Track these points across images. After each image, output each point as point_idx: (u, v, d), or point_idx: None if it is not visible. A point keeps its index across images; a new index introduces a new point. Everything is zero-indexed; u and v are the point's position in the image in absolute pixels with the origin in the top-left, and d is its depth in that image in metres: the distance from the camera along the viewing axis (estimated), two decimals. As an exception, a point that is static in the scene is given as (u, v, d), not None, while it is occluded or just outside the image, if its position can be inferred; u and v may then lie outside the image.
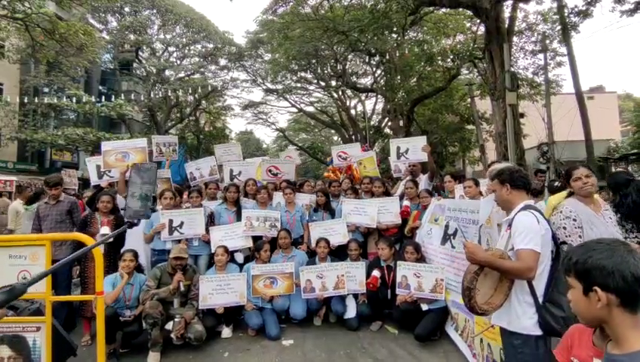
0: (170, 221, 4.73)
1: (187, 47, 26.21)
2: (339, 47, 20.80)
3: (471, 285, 1.99)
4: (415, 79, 20.59)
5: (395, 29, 19.16)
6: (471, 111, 20.84)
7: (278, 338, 4.32)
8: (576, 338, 1.34)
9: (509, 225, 2.17)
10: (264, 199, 5.26)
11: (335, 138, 35.44)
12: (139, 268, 4.26)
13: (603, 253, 1.09)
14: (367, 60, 23.59)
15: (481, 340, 3.09)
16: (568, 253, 1.19)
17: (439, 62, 20.26)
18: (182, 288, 4.03)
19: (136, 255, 4.18)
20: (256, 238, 4.98)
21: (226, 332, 4.41)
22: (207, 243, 4.88)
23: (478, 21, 20.11)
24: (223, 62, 26.43)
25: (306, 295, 4.48)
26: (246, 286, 4.38)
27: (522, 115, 13.30)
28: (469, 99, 21.53)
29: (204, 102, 27.91)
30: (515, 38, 18.28)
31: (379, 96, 25.99)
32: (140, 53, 26.84)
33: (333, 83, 25.01)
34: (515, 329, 2.09)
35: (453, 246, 4.35)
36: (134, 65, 28.34)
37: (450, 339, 4.13)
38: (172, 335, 3.88)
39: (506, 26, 12.59)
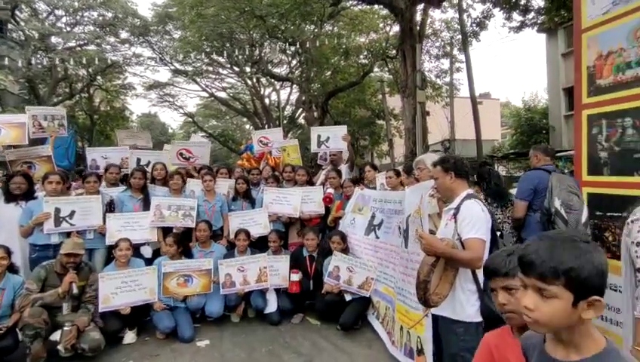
0: (57, 210, 3.94)
1: (79, 13, 22.81)
2: (255, 32, 20.08)
3: (427, 278, 1.91)
4: (330, 72, 20.91)
5: (314, 19, 19.19)
6: (381, 107, 21.94)
7: (192, 339, 3.89)
8: (502, 351, 1.27)
9: (454, 214, 2.14)
10: (177, 186, 4.70)
11: (247, 126, 34.50)
12: (11, 268, 3.44)
13: (589, 253, 0.92)
14: (283, 49, 23.22)
15: (401, 327, 3.14)
16: (530, 253, 0.95)
17: (354, 57, 20.89)
18: (75, 290, 3.35)
19: (8, 252, 3.37)
20: (166, 231, 4.43)
21: (130, 337, 3.83)
22: (104, 235, 4.19)
23: (390, 22, 21.34)
24: (124, 35, 23.60)
25: (225, 290, 4.12)
26: (156, 283, 3.85)
27: (428, 113, 14.32)
28: (380, 96, 22.63)
29: (99, 78, 24.69)
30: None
31: (294, 86, 25.91)
32: (18, 13, 22.57)
33: (248, 69, 24.15)
34: (459, 318, 2.09)
35: (377, 237, 4.37)
36: (9, 26, 23.73)
37: (372, 327, 4.16)
38: (59, 347, 3.21)
39: (418, 28, 13.39)
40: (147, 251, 4.39)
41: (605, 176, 3.56)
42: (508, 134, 31.35)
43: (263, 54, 23.21)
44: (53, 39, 22.25)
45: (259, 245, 4.74)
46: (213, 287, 4.11)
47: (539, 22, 14.18)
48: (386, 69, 22.57)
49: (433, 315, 2.41)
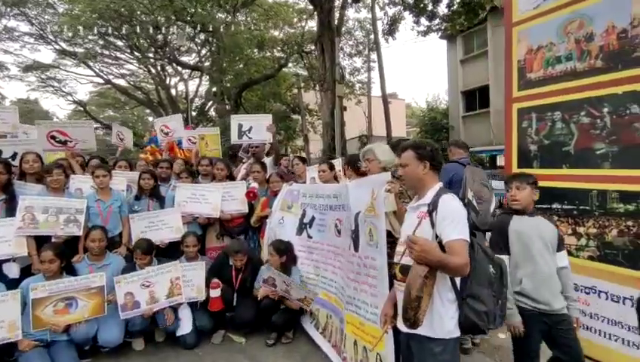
0: None
1: None
2: (160, 14, 18.17)
3: (421, 293, 1.49)
4: (244, 63, 19.97)
5: (227, 6, 18.07)
6: (297, 102, 21.65)
7: (78, 381, 3.01)
8: None
9: (429, 211, 1.77)
10: (58, 182, 3.63)
11: (151, 118, 31.56)
12: None
13: None
14: (192, 36, 21.54)
15: (355, 342, 2.73)
16: None
17: (269, 49, 20.27)
18: None
19: None
20: (41, 241, 3.40)
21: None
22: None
23: (306, 17, 21.16)
24: (-7, 4, 19.51)
25: (127, 314, 3.25)
26: (19, 313, 2.86)
27: (345, 109, 14.38)
28: (295, 90, 22.34)
29: (-41, 53, 20.18)
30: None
31: (204, 77, 24.32)
32: None
33: (151, 55, 21.86)
34: (438, 335, 1.72)
35: (310, 236, 3.92)
36: None
37: (307, 338, 3.70)
38: None
39: (336, 22, 13.30)
40: (13, 270, 3.31)
41: (535, 168, 3.59)
42: (412, 132, 33.70)
43: (169, 39, 21.21)
44: None
45: (168, 253, 3.95)
46: (109, 308, 3.23)
47: (442, 28, 15.12)
48: (301, 64, 22.37)
49: (395, 328, 2.03)
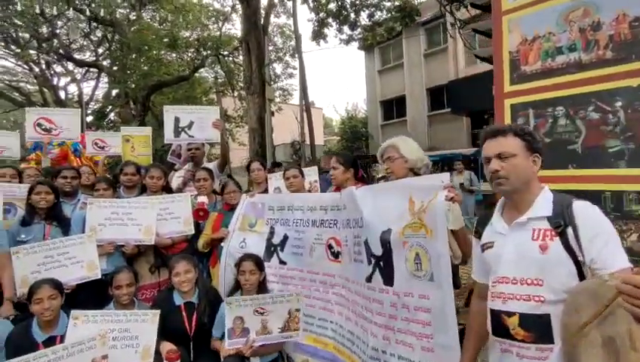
0: None
1: None
2: (45, 4, 15.38)
3: None
4: (152, 63, 17.96)
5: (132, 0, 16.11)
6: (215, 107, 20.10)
7: None
8: None
9: (557, 226, 1.11)
10: None
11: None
12: None
13: None
14: (87, 32, 18.84)
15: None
16: None
17: (183, 50, 18.57)
18: None
19: None
20: None
21: None
22: None
23: (223, 19, 19.90)
24: None
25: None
26: None
27: (272, 113, 13.55)
28: (213, 95, 20.83)
29: None
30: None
31: (102, 78, 21.46)
32: None
33: (33, 52, 18.44)
34: None
35: (282, 262, 3.03)
36: None
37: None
38: None
39: (262, 21, 12.47)
40: None
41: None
42: (330, 141, 34.15)
43: (57, 31, 18.22)
44: None
45: (77, 300, 2.70)
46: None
47: (363, 37, 15.26)
48: (218, 67, 20.95)
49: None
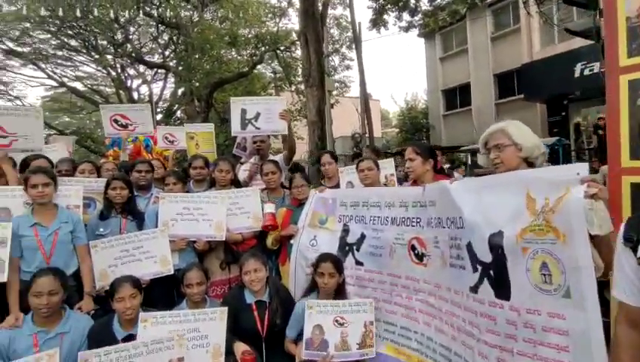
0: None
1: None
2: (119, 10, 16.45)
3: None
4: (215, 61, 18.57)
5: (195, 2, 16.78)
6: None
7: None
8: None
9: None
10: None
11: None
12: None
13: None
14: (155, 36, 19.95)
15: None
16: None
17: (242, 47, 19.01)
18: None
19: None
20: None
21: None
22: None
23: (279, 14, 20.03)
24: None
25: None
26: None
27: (332, 105, 13.36)
28: (270, 90, 21.14)
29: None
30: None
31: (169, 78, 22.68)
32: None
33: (110, 57, 19.95)
34: None
35: (359, 263, 2.77)
36: None
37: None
38: None
39: (320, 10, 12.29)
40: None
41: (657, 161, 2.65)
42: (388, 134, 33.34)
43: (130, 37, 19.52)
44: None
45: (151, 297, 2.67)
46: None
47: (423, 23, 14.45)
48: (275, 62, 21.17)
49: None
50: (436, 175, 2.76)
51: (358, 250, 2.81)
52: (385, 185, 3.29)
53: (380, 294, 2.61)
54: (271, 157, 4.07)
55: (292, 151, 3.96)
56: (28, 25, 16.94)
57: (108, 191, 2.85)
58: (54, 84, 23.05)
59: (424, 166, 2.68)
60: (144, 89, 24.86)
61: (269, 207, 3.09)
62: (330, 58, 22.14)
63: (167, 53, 21.73)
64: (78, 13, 13.68)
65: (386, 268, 2.60)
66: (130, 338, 2.25)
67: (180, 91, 21.74)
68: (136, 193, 3.11)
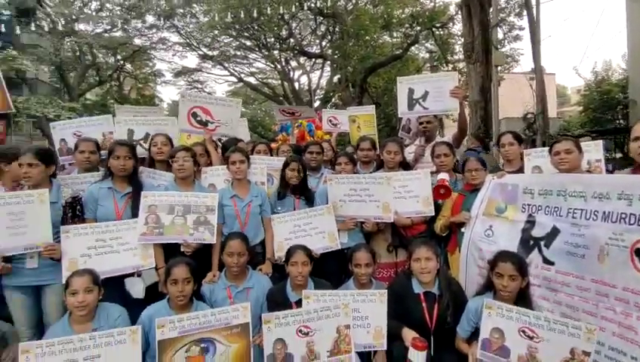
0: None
1: (104, -3, 21.59)
2: (285, 7, 18.10)
3: None
4: (368, 47, 18.73)
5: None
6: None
7: None
8: None
9: None
10: (185, 170, 2.75)
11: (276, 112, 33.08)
12: None
13: None
14: (314, 28, 21.26)
15: None
16: None
17: (396, 28, 18.63)
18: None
19: None
20: (171, 250, 2.57)
21: None
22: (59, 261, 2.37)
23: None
24: (150, 19, 22.24)
25: None
26: (138, 358, 1.98)
27: (498, 83, 11.95)
28: (425, 71, 20.24)
29: (128, 65, 23.70)
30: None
31: (325, 67, 24.02)
32: (44, -1, 21.53)
33: (276, 52, 22.34)
34: None
35: (548, 262, 2.34)
36: (37, 14, 22.82)
37: None
38: None
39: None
40: (137, 288, 2.55)
41: None
42: (562, 113, 28.24)
43: (293, 30, 21.38)
44: (81, 26, 21.30)
45: (322, 270, 2.80)
46: (255, 353, 2.20)
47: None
48: (430, 41, 20.04)
49: None
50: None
51: (547, 246, 2.37)
52: (588, 172, 2.67)
53: (579, 303, 2.14)
54: (438, 138, 3.78)
55: (463, 132, 3.60)
56: (216, 32, 20.29)
57: (286, 170, 3.10)
58: (234, 80, 27.21)
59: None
60: (304, 79, 27.06)
61: (444, 174, 2.90)
62: (497, 29, 19.79)
63: (324, 43, 22.98)
64: (255, 14, 15.55)
65: (591, 272, 2.11)
66: (301, 302, 2.42)
67: (335, 78, 22.86)
68: (308, 173, 3.30)
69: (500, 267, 2.24)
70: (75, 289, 2.05)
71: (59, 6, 21.07)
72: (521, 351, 1.98)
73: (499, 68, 19.17)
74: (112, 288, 2.34)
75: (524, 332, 1.98)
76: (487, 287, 2.37)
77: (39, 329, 2.37)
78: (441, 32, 18.82)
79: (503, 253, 2.34)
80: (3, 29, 17.71)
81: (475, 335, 2.28)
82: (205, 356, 2.08)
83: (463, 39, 12.47)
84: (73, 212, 2.49)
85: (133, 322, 2.20)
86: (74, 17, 20.61)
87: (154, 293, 2.52)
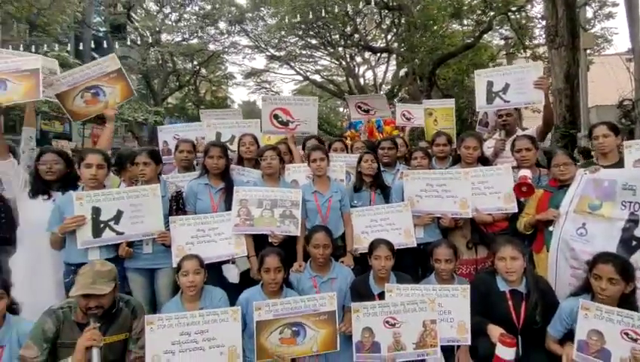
0: (96, 210, 2.54)
1: (183, 8, 23.49)
2: (351, 4, 18.12)
3: None
4: (436, 38, 17.99)
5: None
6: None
7: None
8: None
9: None
10: (272, 167, 2.99)
11: (341, 109, 33.34)
12: (12, 309, 2.10)
13: None
14: (380, 20, 20.97)
15: None
16: None
17: (467, 15, 17.67)
18: (94, 360, 1.85)
19: (5, 286, 2.03)
20: (260, 241, 2.82)
21: None
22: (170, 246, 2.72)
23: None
24: (222, 25, 23.76)
25: (361, 356, 2.31)
26: (239, 338, 2.22)
27: (587, 67, 10.86)
28: (500, 59, 19.02)
29: (203, 70, 25.59)
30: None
31: (391, 62, 23.58)
32: (133, 14, 24.08)
33: (341, 49, 22.47)
34: None
35: (657, 263, 2.16)
36: (127, 28, 25.62)
37: None
38: None
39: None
40: (232, 273, 2.84)
41: None
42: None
43: (357, 26, 21.32)
44: (163, 36, 23.40)
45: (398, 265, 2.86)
46: (340, 339, 2.36)
47: None
48: (506, 26, 18.70)
49: None
50: None
51: (654, 246, 2.19)
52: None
53: None
54: (519, 132, 3.62)
55: (549, 125, 3.41)
56: (283, 32, 20.99)
57: (361, 164, 3.20)
58: (300, 78, 27.93)
59: None
60: (369, 74, 26.86)
61: (525, 171, 2.81)
62: (585, 8, 17.90)
63: (389, 37, 22.62)
64: (324, 13, 15.84)
65: None
66: (383, 294, 2.50)
67: (402, 72, 22.38)
68: (382, 169, 3.37)
69: (598, 268, 2.12)
70: (187, 270, 2.36)
71: (144, 20, 23.33)
72: (623, 354, 1.88)
73: (587, 51, 17.39)
74: (212, 273, 2.62)
75: (627, 334, 1.87)
76: (585, 289, 2.25)
77: (152, 307, 2.75)
78: (518, 16, 17.49)
79: (604, 254, 2.20)
80: (105, 45, 20.07)
81: (566, 336, 2.20)
82: (297, 339, 2.28)
83: (544, 22, 11.51)
84: (177, 205, 2.84)
85: (232, 304, 2.47)
86: (157, 29, 22.66)
87: (247, 279, 2.79)
